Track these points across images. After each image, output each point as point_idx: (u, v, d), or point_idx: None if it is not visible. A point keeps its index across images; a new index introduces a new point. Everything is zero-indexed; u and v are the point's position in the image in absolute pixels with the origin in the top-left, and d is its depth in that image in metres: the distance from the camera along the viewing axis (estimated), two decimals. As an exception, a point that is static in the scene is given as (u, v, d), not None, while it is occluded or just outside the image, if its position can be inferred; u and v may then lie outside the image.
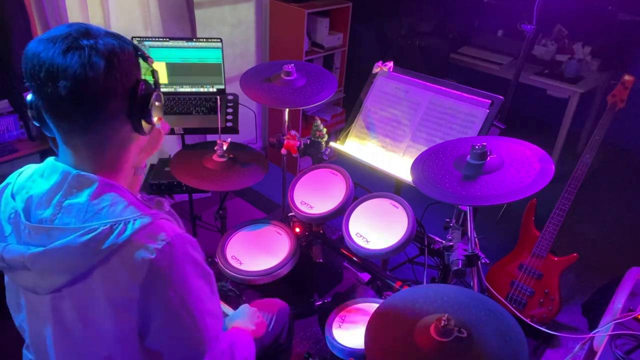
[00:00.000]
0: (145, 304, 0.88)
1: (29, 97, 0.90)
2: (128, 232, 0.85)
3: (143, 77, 0.94)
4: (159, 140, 1.06)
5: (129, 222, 0.86)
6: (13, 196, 0.93)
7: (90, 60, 0.82)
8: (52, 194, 0.89)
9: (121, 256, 0.85)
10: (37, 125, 0.93)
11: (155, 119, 0.96)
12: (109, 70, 0.84)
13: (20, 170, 0.98)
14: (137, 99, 0.90)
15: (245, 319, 1.35)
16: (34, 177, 0.94)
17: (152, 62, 0.97)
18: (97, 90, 0.84)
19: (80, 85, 0.82)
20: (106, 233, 0.85)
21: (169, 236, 0.88)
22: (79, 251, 0.85)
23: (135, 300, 0.86)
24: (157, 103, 0.95)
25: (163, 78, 2.20)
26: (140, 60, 0.94)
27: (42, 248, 0.86)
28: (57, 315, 0.92)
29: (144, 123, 0.93)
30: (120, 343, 0.91)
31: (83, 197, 0.88)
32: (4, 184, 0.97)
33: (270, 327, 1.44)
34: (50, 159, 0.94)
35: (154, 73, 0.97)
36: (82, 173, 0.89)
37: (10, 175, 0.98)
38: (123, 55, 0.87)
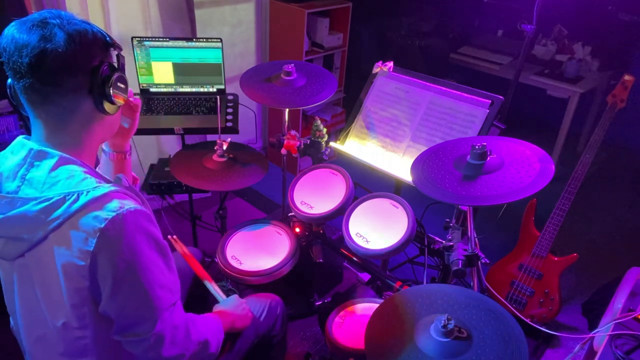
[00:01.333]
0: (95, 271, 0.94)
1: (9, 80, 0.98)
2: (80, 203, 0.92)
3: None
4: (133, 122, 1.19)
5: (82, 193, 0.93)
6: None
7: (50, 34, 0.90)
8: (17, 168, 0.97)
9: (72, 225, 0.92)
10: (14, 105, 1.01)
11: (118, 100, 1.02)
12: (69, 46, 0.91)
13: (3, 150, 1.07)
14: (98, 78, 0.97)
15: (224, 308, 1.36)
16: (6, 154, 1.03)
17: (121, 50, 1.05)
18: (56, 63, 0.91)
19: (38, 56, 0.90)
20: (59, 203, 0.92)
21: (120, 207, 0.93)
22: (34, 219, 0.92)
23: (86, 268, 0.93)
24: (119, 84, 1.02)
25: (169, 78, 2.21)
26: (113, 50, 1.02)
27: (2, 215, 0.94)
28: (21, 280, 1.01)
29: (106, 103, 1.00)
30: (75, 309, 0.97)
31: (43, 170, 0.96)
32: None
33: (262, 317, 1.46)
34: (19, 137, 1.03)
35: (119, 57, 1.05)
36: (44, 149, 0.97)
37: None
38: (87, 35, 0.95)
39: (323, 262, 1.75)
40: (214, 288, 1.47)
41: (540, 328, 1.56)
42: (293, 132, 1.93)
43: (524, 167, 1.28)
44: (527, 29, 2.01)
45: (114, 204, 0.93)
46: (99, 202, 0.93)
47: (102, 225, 0.91)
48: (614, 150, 3.47)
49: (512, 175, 1.26)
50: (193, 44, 2.18)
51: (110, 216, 0.91)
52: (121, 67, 1.05)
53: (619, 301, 1.55)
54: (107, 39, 1.00)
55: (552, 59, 3.47)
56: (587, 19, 3.30)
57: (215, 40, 2.19)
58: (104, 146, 1.30)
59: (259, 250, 1.73)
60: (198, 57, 2.20)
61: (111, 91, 0.99)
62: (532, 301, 2.13)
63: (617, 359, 1.36)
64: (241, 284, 1.72)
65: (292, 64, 1.89)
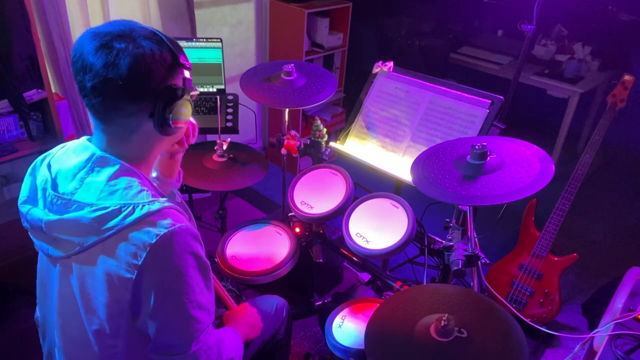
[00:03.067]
0: (139, 285, 0.93)
1: None
2: (135, 216, 0.92)
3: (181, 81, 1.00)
4: (187, 138, 1.15)
5: (138, 206, 0.93)
6: (49, 166, 1.02)
7: (114, 62, 0.89)
8: (77, 170, 0.98)
9: (124, 237, 0.92)
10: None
11: (178, 126, 1.00)
12: (131, 74, 0.90)
13: (64, 144, 1.07)
14: (160, 103, 0.95)
15: (239, 319, 1.35)
16: (68, 152, 1.03)
17: (190, 69, 1.02)
18: (116, 91, 0.90)
19: (101, 83, 0.90)
20: (114, 213, 0.92)
21: (172, 224, 0.93)
22: (87, 225, 0.93)
23: (131, 280, 0.92)
24: (182, 110, 1.00)
25: None
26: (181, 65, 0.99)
27: (58, 216, 0.95)
28: (62, 281, 1.01)
29: (167, 126, 0.99)
30: (112, 318, 0.97)
31: (102, 176, 0.96)
32: (46, 153, 1.06)
33: (269, 322, 1.44)
34: (84, 138, 1.03)
35: (185, 80, 1.01)
36: (106, 155, 0.98)
37: (55, 147, 1.07)
38: (155, 57, 0.93)
39: (323, 262, 1.75)
40: (222, 294, 1.46)
41: (540, 328, 1.56)
42: (293, 132, 1.93)
43: (524, 167, 1.28)
44: (527, 29, 2.01)
45: (167, 221, 0.93)
46: (152, 217, 0.93)
47: (153, 241, 0.91)
48: (614, 150, 3.47)
49: (512, 175, 1.26)
50: (193, 44, 2.18)
51: (162, 232, 0.92)
52: (184, 91, 1.01)
53: (619, 301, 1.55)
54: (177, 56, 0.97)
55: (552, 59, 3.47)
56: (587, 19, 3.30)
57: (215, 40, 2.19)
58: None
59: (259, 250, 1.73)
60: (198, 57, 2.20)
61: (171, 117, 0.97)
62: (532, 301, 2.13)
63: (617, 359, 1.36)
64: (241, 284, 1.72)
65: (292, 64, 1.89)
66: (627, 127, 3.08)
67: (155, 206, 0.94)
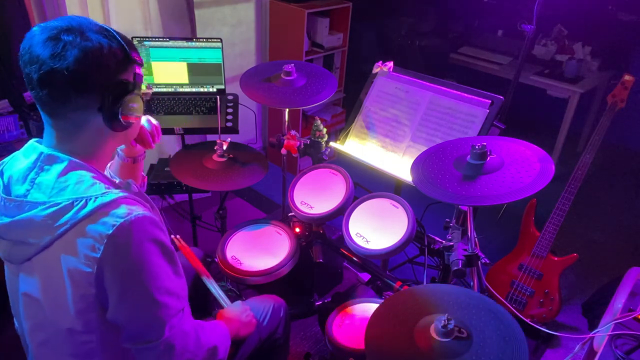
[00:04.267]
0: (102, 278, 0.92)
1: None
2: (88, 209, 0.91)
3: (133, 77, 1.00)
4: (141, 135, 1.14)
5: (91, 199, 0.93)
6: (2, 173, 1.02)
7: (61, 53, 0.89)
8: (27, 171, 0.97)
9: (80, 231, 0.91)
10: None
11: (128, 120, 1.00)
12: (79, 66, 0.89)
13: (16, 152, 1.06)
14: (108, 97, 0.95)
15: (229, 315, 1.34)
16: (17, 156, 1.03)
17: (142, 65, 1.03)
18: (63, 82, 0.90)
19: (47, 74, 0.89)
20: (67, 208, 0.92)
21: (128, 214, 0.92)
22: (41, 224, 0.92)
23: (92, 275, 0.92)
24: (132, 105, 0.99)
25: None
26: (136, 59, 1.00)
27: (10, 219, 0.94)
28: (26, 285, 1.00)
29: (117, 121, 0.98)
30: (81, 314, 0.96)
31: (52, 174, 0.96)
32: None
33: (266, 321, 1.44)
34: (31, 141, 1.02)
35: (135, 76, 1.01)
36: (54, 153, 0.97)
37: (8, 157, 1.06)
38: (102, 51, 0.92)
39: (323, 262, 1.75)
40: (217, 292, 1.45)
41: (540, 328, 1.56)
42: (293, 132, 1.93)
43: (524, 167, 1.28)
44: (527, 29, 2.01)
45: (122, 210, 0.92)
46: (107, 208, 0.92)
47: (110, 232, 0.90)
48: (614, 150, 3.47)
49: (512, 175, 1.26)
50: (193, 44, 2.18)
51: (117, 222, 0.91)
52: (138, 85, 1.01)
53: (619, 301, 1.55)
54: (128, 53, 0.97)
55: (552, 59, 3.47)
56: (587, 19, 3.30)
57: (215, 40, 2.19)
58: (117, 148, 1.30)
59: (259, 250, 1.73)
60: (198, 57, 2.20)
61: (120, 111, 0.97)
62: (532, 301, 2.13)
63: (617, 359, 1.36)
64: (241, 284, 1.72)
65: (292, 64, 1.89)
66: (627, 127, 3.08)
67: (109, 197, 0.93)
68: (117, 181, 1.15)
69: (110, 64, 0.94)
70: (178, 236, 1.65)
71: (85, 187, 0.94)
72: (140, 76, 1.02)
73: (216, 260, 1.70)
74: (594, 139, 2.02)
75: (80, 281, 0.93)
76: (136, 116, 1.03)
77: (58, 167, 0.96)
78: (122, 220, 0.91)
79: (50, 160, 0.96)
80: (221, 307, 1.42)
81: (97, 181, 0.96)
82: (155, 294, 0.96)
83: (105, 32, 0.94)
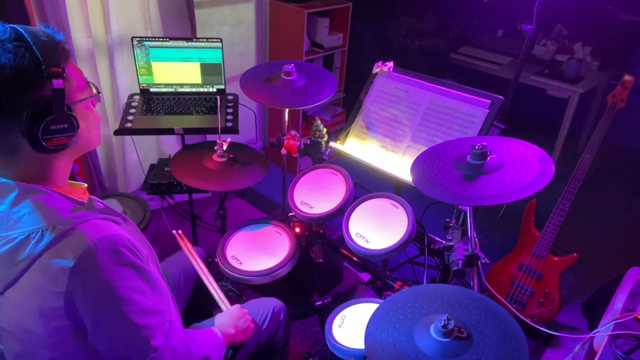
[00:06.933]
0: (72, 309, 0.88)
1: None
2: (45, 241, 0.84)
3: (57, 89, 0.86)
4: (88, 141, 0.99)
5: (47, 229, 0.85)
6: None
7: None
8: None
9: (40, 265, 0.85)
10: None
11: (56, 144, 0.88)
12: None
13: None
14: (25, 121, 0.83)
15: (226, 322, 1.31)
16: None
17: (63, 79, 0.87)
18: None
19: None
20: (23, 242, 0.85)
21: (89, 241, 0.85)
22: (3, 260, 0.86)
23: (61, 308, 0.86)
24: (54, 127, 0.86)
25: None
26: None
27: None
28: (2, 318, 0.94)
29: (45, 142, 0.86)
30: (58, 346, 0.91)
31: (5, 205, 0.88)
32: None
33: (265, 325, 1.43)
34: None
35: (56, 92, 0.85)
36: (3, 180, 0.88)
37: None
38: (12, 74, 0.81)
39: (323, 262, 1.75)
40: (216, 295, 1.44)
41: (540, 328, 1.56)
42: (293, 132, 1.93)
43: (524, 167, 1.28)
44: (527, 29, 2.01)
45: (82, 238, 0.85)
46: (65, 237, 0.85)
47: (72, 265, 0.84)
48: (614, 150, 3.47)
49: (512, 175, 1.26)
50: (193, 44, 2.18)
51: (78, 253, 0.84)
52: (58, 107, 0.86)
53: (619, 301, 1.55)
54: (41, 67, 0.83)
55: (552, 59, 3.47)
56: (587, 19, 3.30)
57: (215, 40, 2.19)
58: None
59: (259, 250, 1.73)
60: (198, 57, 2.20)
61: (40, 135, 0.84)
62: (532, 301, 2.13)
63: (617, 359, 1.36)
64: (241, 284, 1.72)
65: (292, 64, 1.89)
66: (627, 127, 3.07)
67: (67, 225, 0.85)
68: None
69: (15, 82, 0.82)
70: (180, 231, 1.64)
71: (39, 215, 0.86)
72: (62, 91, 0.87)
73: (216, 260, 1.70)
74: (593, 139, 2.02)
75: (52, 315, 0.88)
76: (67, 137, 0.90)
77: (9, 197, 0.88)
78: (82, 250, 0.84)
79: (1, 189, 0.88)
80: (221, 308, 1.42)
81: (53, 208, 0.88)
82: (134, 318, 0.92)
83: (18, 42, 0.83)
